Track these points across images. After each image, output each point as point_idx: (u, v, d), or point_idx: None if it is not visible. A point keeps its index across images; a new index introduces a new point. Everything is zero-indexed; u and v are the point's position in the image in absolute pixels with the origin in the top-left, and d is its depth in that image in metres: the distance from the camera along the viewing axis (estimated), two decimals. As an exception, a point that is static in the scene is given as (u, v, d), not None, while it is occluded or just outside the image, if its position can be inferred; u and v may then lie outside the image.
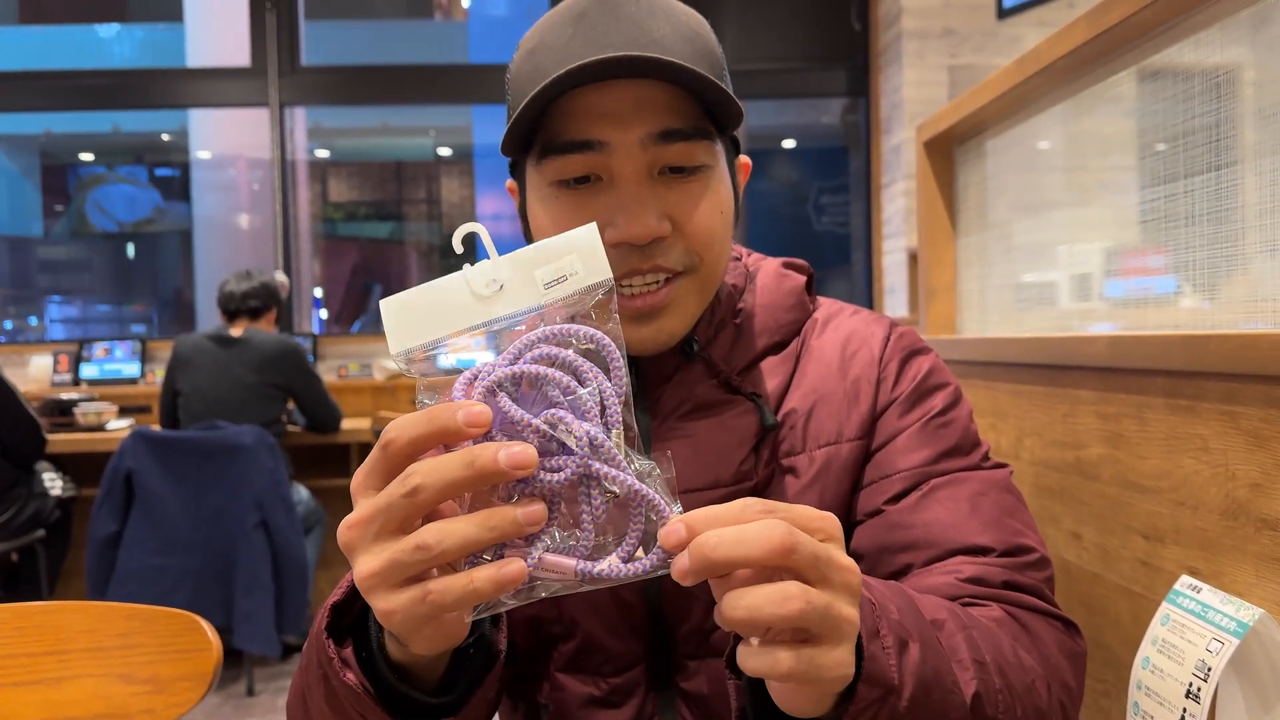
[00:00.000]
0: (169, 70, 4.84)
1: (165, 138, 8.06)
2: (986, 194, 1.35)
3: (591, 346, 0.45)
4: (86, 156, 8.63)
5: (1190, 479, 0.78)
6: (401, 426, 0.44)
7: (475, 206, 9.78)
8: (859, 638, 0.47)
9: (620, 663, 0.73)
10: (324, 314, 9.06)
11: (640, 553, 0.45)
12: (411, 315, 0.47)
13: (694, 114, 0.65)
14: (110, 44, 8.43)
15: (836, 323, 0.78)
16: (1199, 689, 0.67)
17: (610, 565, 0.44)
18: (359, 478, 0.47)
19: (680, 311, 0.69)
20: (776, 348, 0.76)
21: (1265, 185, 0.81)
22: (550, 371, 0.44)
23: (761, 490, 0.71)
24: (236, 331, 3.09)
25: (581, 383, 0.44)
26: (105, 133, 8.26)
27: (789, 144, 8.96)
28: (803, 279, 0.79)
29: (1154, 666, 0.72)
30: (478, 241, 0.51)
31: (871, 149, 4.23)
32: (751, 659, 0.43)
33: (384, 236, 10.24)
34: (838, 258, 7.39)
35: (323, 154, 9.58)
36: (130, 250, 9.06)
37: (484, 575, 0.42)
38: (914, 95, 3.77)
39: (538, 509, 0.43)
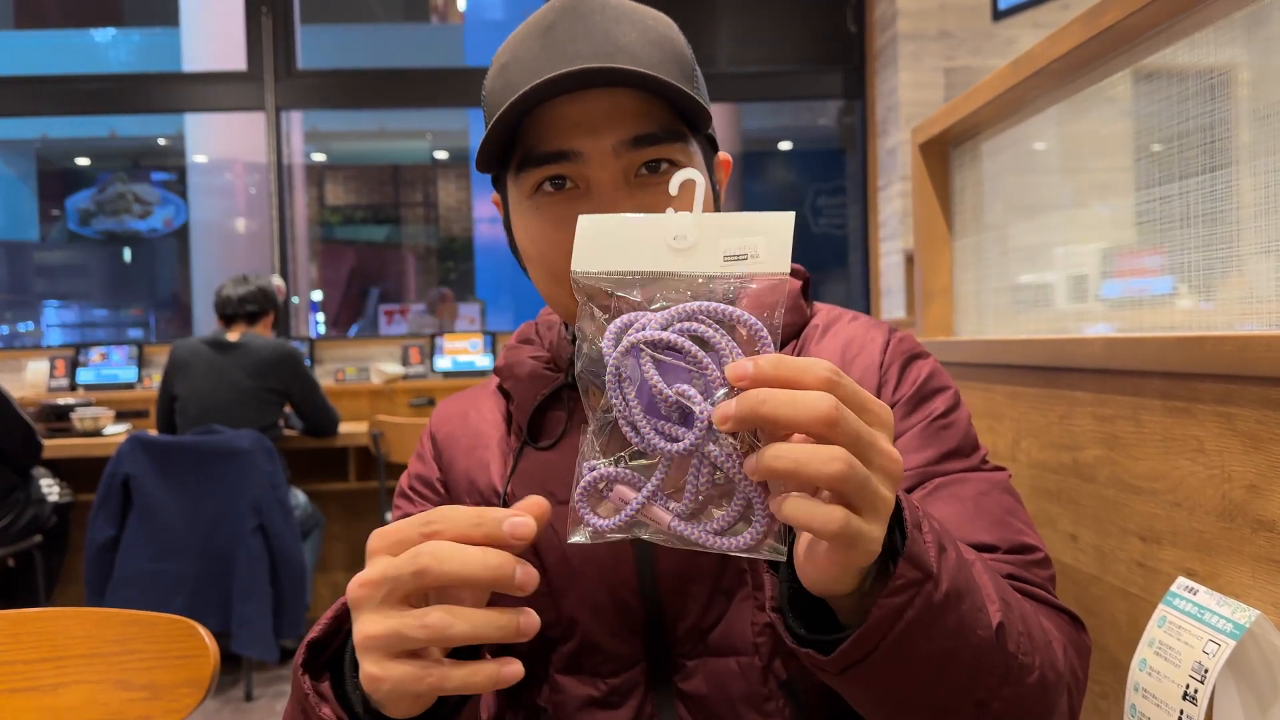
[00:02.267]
0: (165, 75, 4.84)
1: (162, 142, 8.05)
2: (982, 196, 1.35)
3: (745, 333, 0.46)
4: (83, 161, 8.63)
5: (1186, 480, 0.78)
6: (450, 519, 0.46)
7: (472, 209, 9.78)
8: (901, 524, 0.49)
9: (619, 663, 0.74)
10: (321, 318, 9.05)
11: (734, 529, 0.46)
12: (604, 241, 0.49)
13: (664, 117, 0.66)
14: (106, 49, 8.42)
15: (837, 328, 0.79)
16: (1196, 691, 0.67)
17: (700, 532, 0.46)
18: (378, 538, 0.48)
19: None
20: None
21: (1261, 186, 0.81)
22: (691, 346, 0.45)
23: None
24: (233, 336, 3.09)
25: (721, 365, 0.45)
26: (102, 137, 8.25)
27: (785, 146, 8.96)
28: (797, 284, 0.80)
29: (1151, 668, 0.72)
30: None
31: (868, 151, 4.23)
32: (801, 508, 0.44)
33: (381, 240, 10.24)
34: (835, 260, 7.40)
35: (319, 157, 9.58)
36: (127, 255, 9.06)
37: (485, 671, 0.45)
38: (910, 97, 3.78)
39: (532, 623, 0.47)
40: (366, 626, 0.46)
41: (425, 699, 0.48)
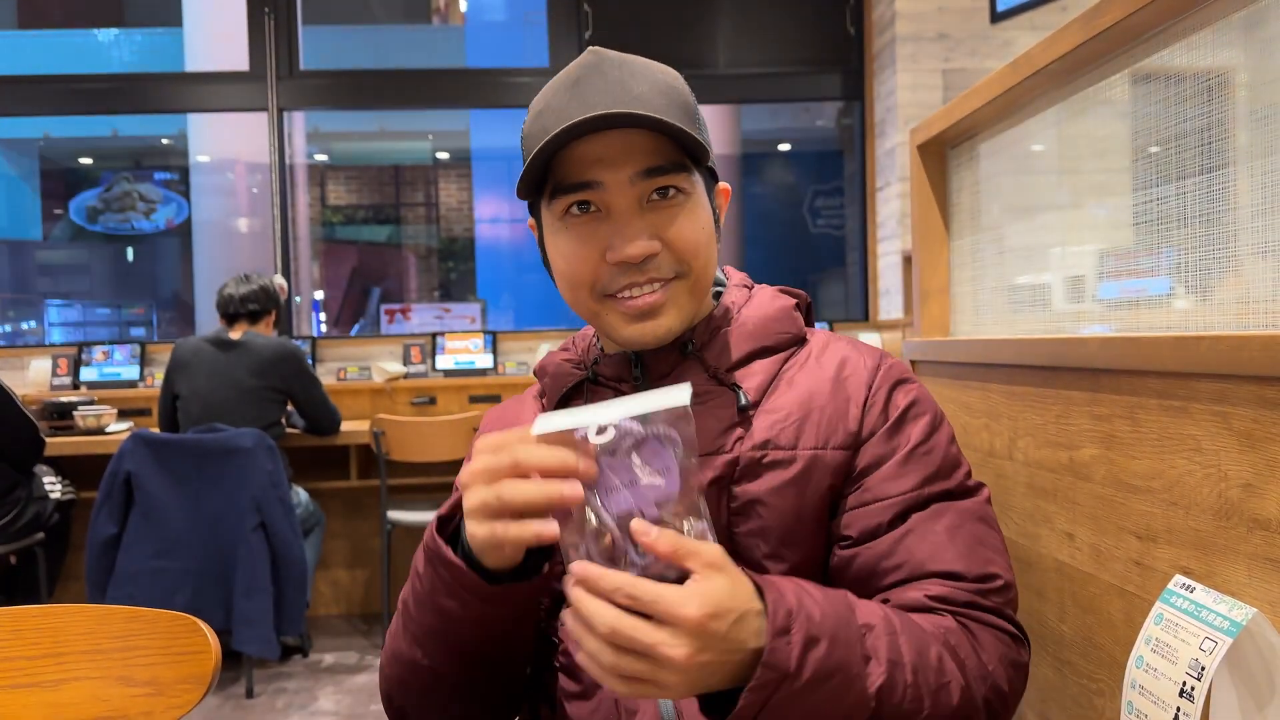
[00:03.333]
0: (168, 75, 4.85)
1: (164, 142, 8.07)
2: (980, 197, 1.35)
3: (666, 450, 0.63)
4: (85, 160, 8.64)
5: (1183, 479, 0.79)
6: (535, 453, 0.64)
7: (473, 210, 9.79)
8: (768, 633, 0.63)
9: None
10: (323, 317, 9.06)
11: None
12: (555, 422, 0.65)
13: (671, 152, 0.79)
14: (109, 48, 8.44)
15: (834, 349, 0.88)
16: (1193, 688, 0.67)
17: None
18: (483, 442, 0.67)
19: (675, 310, 0.81)
20: (764, 352, 0.87)
21: (1258, 187, 0.81)
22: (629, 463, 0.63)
23: (741, 467, 0.81)
24: (235, 335, 3.09)
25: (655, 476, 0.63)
26: (104, 137, 8.27)
27: (785, 147, 8.97)
28: (791, 302, 0.91)
29: (1148, 666, 0.72)
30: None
31: (866, 152, 4.24)
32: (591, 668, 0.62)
33: (382, 240, 10.25)
34: (833, 260, 7.40)
35: (321, 158, 9.58)
36: (129, 254, 9.06)
37: (532, 528, 0.64)
38: (908, 99, 3.78)
39: (580, 484, 0.63)
40: (470, 500, 0.66)
41: (509, 556, 0.68)
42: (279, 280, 3.40)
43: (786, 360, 0.87)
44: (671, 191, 0.79)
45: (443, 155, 9.87)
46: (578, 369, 0.91)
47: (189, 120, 6.75)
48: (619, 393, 0.86)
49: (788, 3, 4.27)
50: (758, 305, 0.89)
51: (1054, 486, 1.01)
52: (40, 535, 3.04)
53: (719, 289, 0.92)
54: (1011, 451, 1.12)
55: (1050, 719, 1.05)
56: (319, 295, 8.95)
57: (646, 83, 0.79)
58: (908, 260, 3.67)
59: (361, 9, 9.20)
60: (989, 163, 1.33)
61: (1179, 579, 0.75)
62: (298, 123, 6.81)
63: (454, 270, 10.06)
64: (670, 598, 0.59)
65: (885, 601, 0.77)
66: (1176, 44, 0.89)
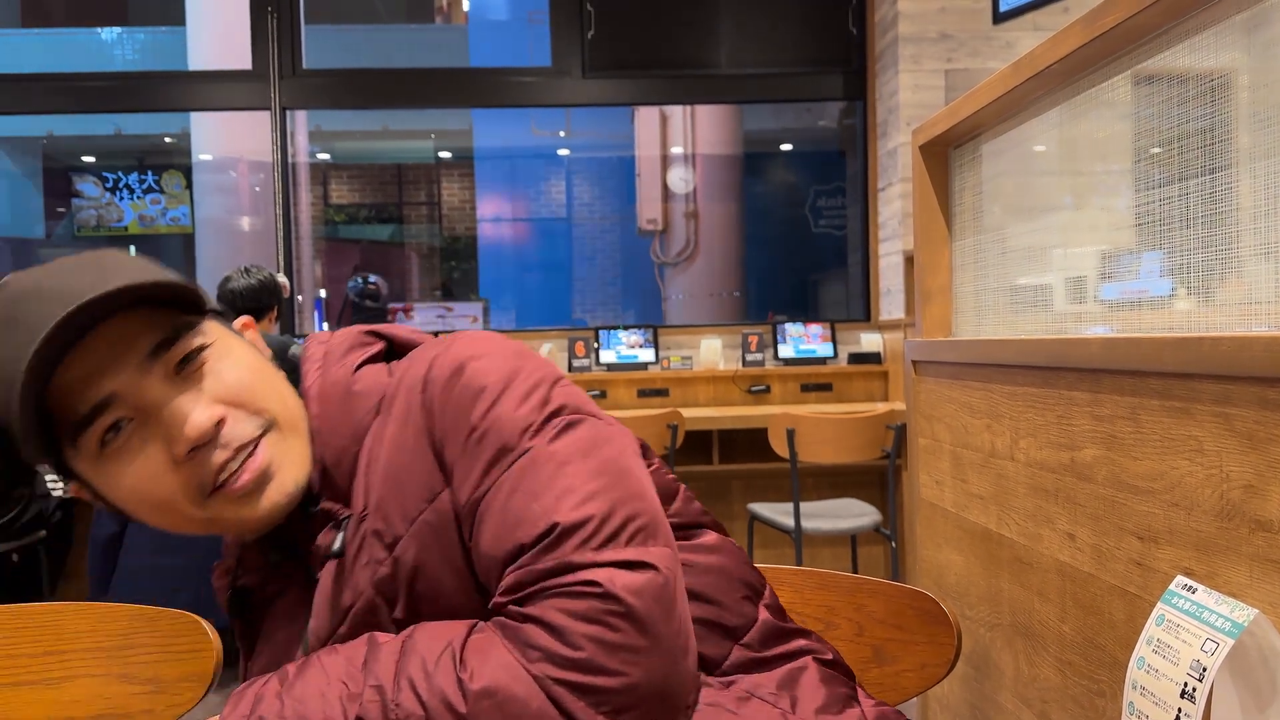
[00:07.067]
0: (171, 73, 4.86)
1: (167, 140, 8.07)
2: (982, 197, 1.35)
3: None
4: (88, 159, 8.65)
5: (1184, 480, 0.79)
6: None
7: (476, 209, 9.79)
8: None
9: None
10: (325, 315, 9.06)
11: None
12: None
13: (164, 320, 0.68)
14: (112, 47, 8.44)
15: (402, 392, 0.72)
16: (1194, 689, 0.67)
17: None
18: None
19: (287, 460, 0.70)
20: (358, 455, 0.72)
21: (1260, 188, 0.81)
22: None
23: (370, 612, 0.69)
24: (237, 334, 3.10)
25: None
26: (107, 135, 8.27)
27: (786, 148, 8.97)
28: (354, 361, 0.76)
29: (1149, 666, 0.72)
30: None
31: (868, 153, 4.23)
32: None
33: (385, 238, 10.25)
34: (835, 260, 7.40)
35: (324, 156, 9.59)
36: (132, 252, 9.06)
37: None
38: (910, 99, 3.78)
39: None
40: None
41: None
42: (281, 279, 3.40)
43: (371, 438, 0.72)
44: (193, 354, 0.68)
45: (445, 154, 9.87)
46: (229, 586, 0.82)
47: (192, 119, 6.75)
48: (283, 576, 0.77)
49: (790, 3, 4.27)
50: (330, 404, 0.74)
51: (1055, 487, 1.01)
52: (42, 533, 3.05)
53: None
54: (1013, 452, 1.12)
55: (1051, 719, 1.05)
56: (321, 293, 8.95)
57: (87, 273, 0.65)
58: (909, 260, 3.66)
59: (364, 8, 9.20)
60: (991, 163, 1.33)
61: (1180, 580, 0.75)
62: (300, 121, 6.81)
63: (456, 269, 10.06)
64: None
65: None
66: (1178, 45, 0.89)
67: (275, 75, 4.25)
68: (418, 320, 5.22)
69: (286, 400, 0.72)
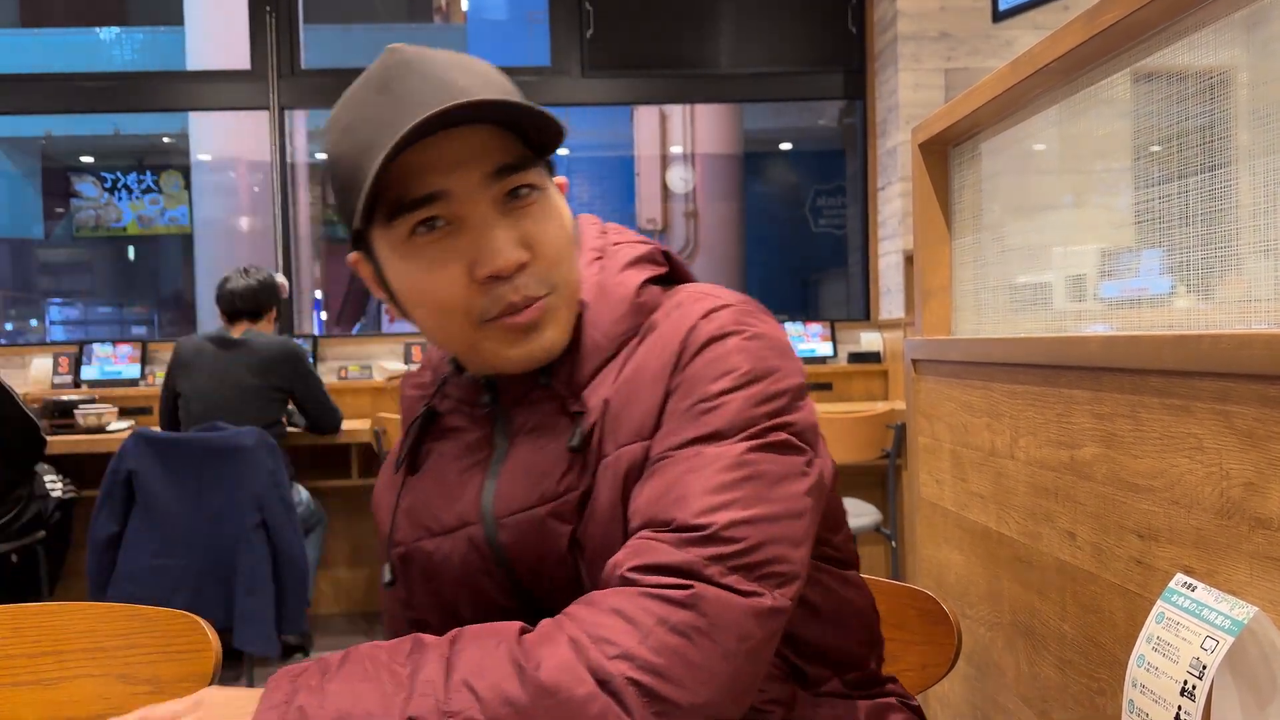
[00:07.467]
0: (169, 73, 4.85)
1: (166, 140, 8.07)
2: (981, 195, 1.35)
3: None
4: (87, 159, 8.64)
5: (1184, 478, 0.79)
6: None
7: (475, 209, 9.79)
8: None
9: None
10: (324, 316, 9.06)
11: None
12: None
13: (517, 147, 0.70)
14: (111, 47, 8.44)
15: (670, 321, 0.74)
16: (1194, 687, 0.67)
17: None
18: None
19: (555, 322, 0.73)
20: (608, 362, 0.75)
21: (1259, 186, 0.81)
22: None
23: (586, 500, 0.71)
24: (237, 333, 3.09)
25: None
26: (106, 135, 8.27)
27: (786, 147, 8.97)
28: (635, 281, 0.77)
29: (1149, 664, 0.72)
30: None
31: (868, 151, 4.23)
32: None
33: (384, 239, 10.24)
34: (835, 259, 7.40)
35: (323, 156, 9.59)
36: (131, 253, 9.07)
37: None
38: (910, 98, 3.78)
39: None
40: None
41: None
42: (280, 279, 3.40)
43: (626, 353, 0.74)
44: (525, 190, 0.70)
45: (444, 154, 9.87)
46: (423, 397, 0.83)
47: (190, 119, 6.75)
48: (471, 419, 0.78)
49: (789, 2, 4.27)
50: (596, 305, 0.76)
51: (1055, 485, 1.01)
52: (41, 534, 3.05)
53: None
54: (1013, 450, 1.12)
55: (1052, 718, 1.05)
56: (320, 294, 8.95)
57: (466, 74, 0.69)
58: (909, 259, 3.66)
59: (363, 8, 9.20)
60: (990, 161, 1.33)
61: (1180, 578, 0.75)
62: (299, 121, 6.80)
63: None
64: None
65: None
66: (1177, 43, 0.89)
67: (274, 75, 4.25)
68: (417, 320, 5.22)
69: (572, 275, 0.74)
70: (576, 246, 0.76)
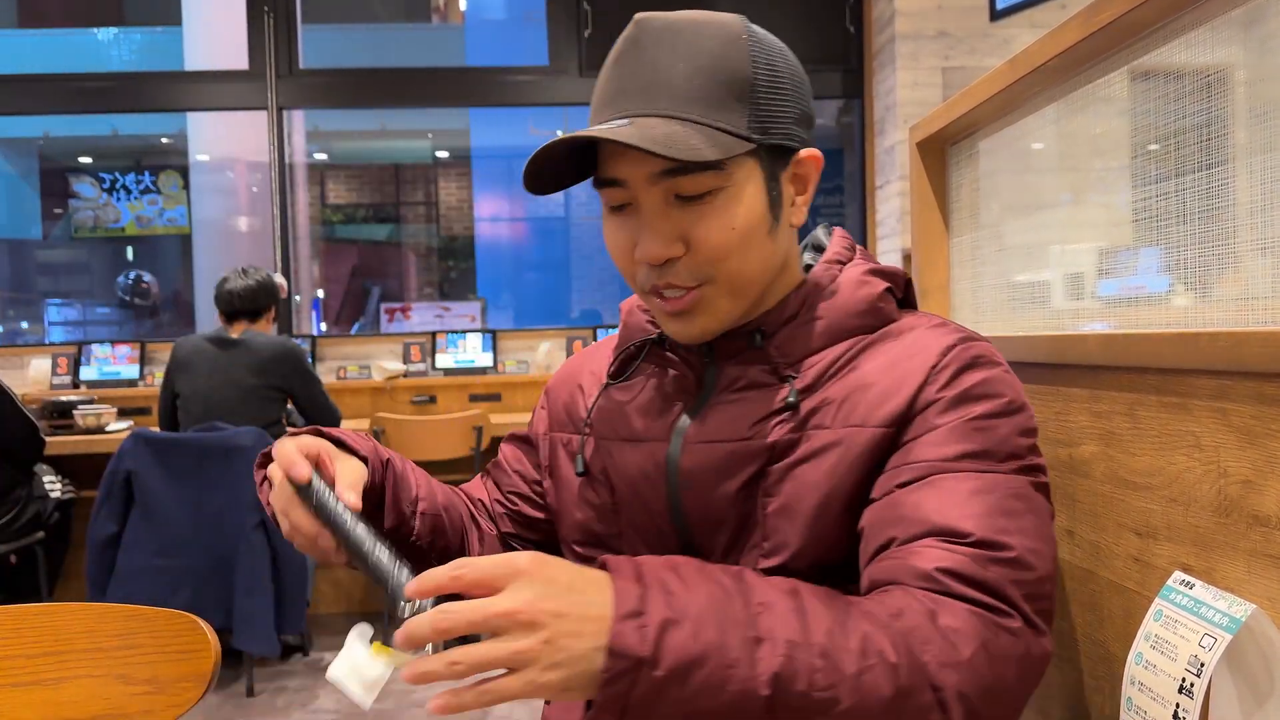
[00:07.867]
0: (167, 73, 4.85)
1: (164, 141, 8.06)
2: (979, 194, 1.35)
3: None
4: (85, 160, 8.64)
5: (1182, 476, 0.79)
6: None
7: (473, 209, 9.79)
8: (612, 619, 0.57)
9: None
10: (324, 326, 9.05)
11: None
12: None
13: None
14: (109, 47, 8.44)
15: (915, 334, 0.81)
16: (1192, 684, 0.67)
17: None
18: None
19: (709, 312, 0.79)
20: (831, 345, 0.81)
21: (1257, 184, 0.81)
22: None
23: (777, 451, 0.77)
24: (235, 333, 3.09)
25: None
26: (104, 136, 8.27)
27: (787, 145, 8.95)
28: (880, 287, 0.84)
29: (1147, 662, 0.72)
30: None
31: (866, 150, 4.24)
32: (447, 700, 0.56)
33: (382, 238, 10.25)
34: (836, 258, 7.39)
35: (321, 157, 9.58)
36: (129, 253, 9.06)
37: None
38: (908, 97, 3.78)
39: None
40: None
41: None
42: (279, 279, 3.40)
43: (859, 345, 0.81)
44: (692, 197, 0.75)
45: (442, 154, 9.87)
46: (653, 325, 0.89)
47: (189, 119, 6.74)
48: (687, 364, 0.84)
49: (787, 1, 4.27)
50: (839, 298, 0.83)
51: (1054, 484, 1.01)
52: (40, 534, 3.05)
53: (810, 262, 0.89)
54: (1011, 449, 1.12)
55: (1049, 716, 1.05)
56: (319, 294, 8.95)
57: (684, 60, 0.73)
58: (907, 258, 3.67)
59: (361, 8, 9.20)
60: (988, 160, 1.33)
61: (1178, 575, 0.75)
62: (297, 121, 6.80)
63: (454, 269, 10.06)
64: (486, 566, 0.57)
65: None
66: (1175, 41, 0.89)
67: (272, 75, 4.25)
68: (415, 320, 5.21)
69: (745, 267, 0.78)
70: (770, 238, 0.79)
